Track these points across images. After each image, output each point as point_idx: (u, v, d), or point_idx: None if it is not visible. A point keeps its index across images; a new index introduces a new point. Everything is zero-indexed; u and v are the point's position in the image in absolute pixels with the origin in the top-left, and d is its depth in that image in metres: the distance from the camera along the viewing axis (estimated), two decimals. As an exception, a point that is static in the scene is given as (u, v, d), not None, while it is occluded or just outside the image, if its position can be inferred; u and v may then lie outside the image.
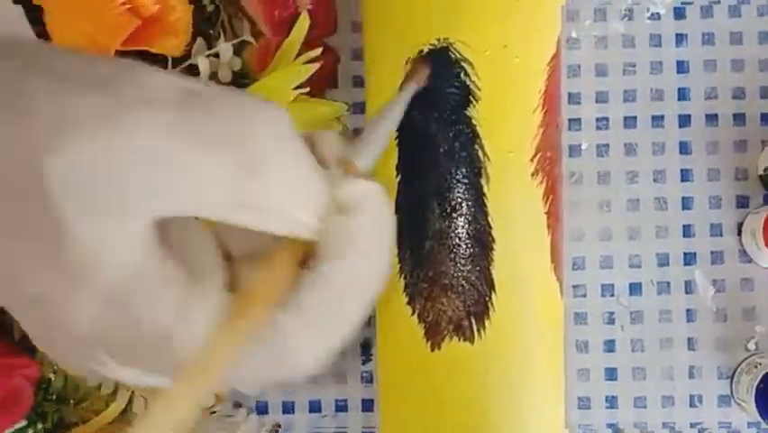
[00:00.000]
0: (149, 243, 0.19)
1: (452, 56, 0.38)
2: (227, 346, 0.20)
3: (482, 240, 0.38)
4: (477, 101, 0.38)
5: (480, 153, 0.38)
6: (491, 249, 0.38)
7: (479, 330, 0.38)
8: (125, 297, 0.19)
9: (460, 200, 0.38)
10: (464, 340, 0.38)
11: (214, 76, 0.43)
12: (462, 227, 0.38)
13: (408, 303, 0.39)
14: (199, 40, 0.43)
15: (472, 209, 0.38)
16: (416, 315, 0.39)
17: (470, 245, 0.38)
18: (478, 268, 0.38)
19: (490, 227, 0.38)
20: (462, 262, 0.38)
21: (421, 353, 0.39)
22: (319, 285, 0.21)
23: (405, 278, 0.39)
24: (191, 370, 0.20)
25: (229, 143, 0.19)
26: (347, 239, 0.21)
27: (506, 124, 0.38)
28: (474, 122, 0.38)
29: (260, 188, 0.19)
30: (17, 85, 0.18)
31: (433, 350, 0.39)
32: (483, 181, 0.38)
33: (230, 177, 0.19)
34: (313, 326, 0.21)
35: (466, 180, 0.38)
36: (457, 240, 0.38)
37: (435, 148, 0.38)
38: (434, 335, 0.39)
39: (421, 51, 0.38)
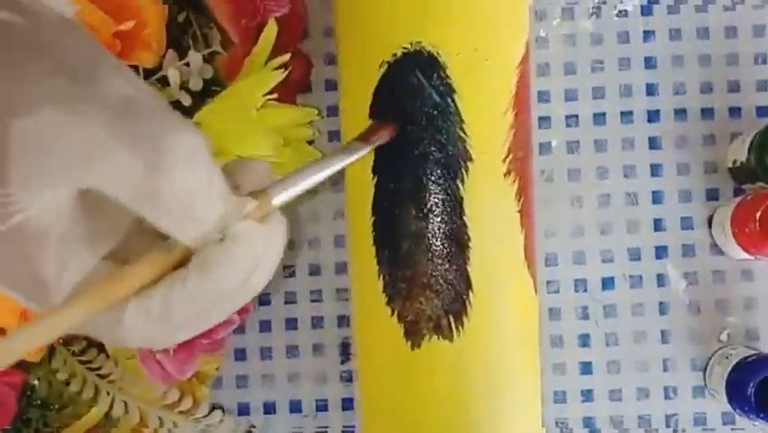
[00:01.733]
0: (68, 205, 0.22)
1: (428, 58, 0.38)
2: (80, 307, 0.23)
3: (459, 239, 0.39)
4: (454, 103, 0.38)
5: (455, 154, 0.38)
6: (468, 248, 0.39)
7: (457, 328, 0.39)
8: (27, 239, 0.22)
9: (435, 201, 0.38)
10: (443, 338, 0.39)
11: (185, 84, 0.44)
12: (439, 227, 0.38)
13: (388, 303, 0.39)
14: (170, 51, 0.44)
15: (448, 210, 0.38)
16: (395, 315, 0.39)
17: (446, 245, 0.38)
18: (455, 267, 0.39)
19: (466, 227, 0.38)
20: (440, 261, 0.39)
21: (401, 352, 0.39)
22: (175, 289, 0.24)
23: (383, 279, 0.40)
24: (44, 315, 0.23)
25: (146, 144, 0.22)
26: (217, 261, 0.24)
27: (479, 126, 0.39)
28: (449, 124, 0.38)
29: (164, 189, 0.22)
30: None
31: (413, 349, 0.39)
32: (459, 182, 0.38)
33: (141, 171, 0.22)
34: (151, 321, 0.24)
35: (441, 181, 0.38)
36: (434, 240, 0.39)
37: (411, 149, 0.39)
38: (413, 334, 0.39)
39: (395, 55, 0.38)
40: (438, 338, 0.39)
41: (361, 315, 0.43)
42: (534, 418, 0.42)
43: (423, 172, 0.38)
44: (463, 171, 0.38)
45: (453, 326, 0.39)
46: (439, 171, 0.38)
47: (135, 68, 0.44)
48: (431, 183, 0.38)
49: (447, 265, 0.38)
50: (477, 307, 0.39)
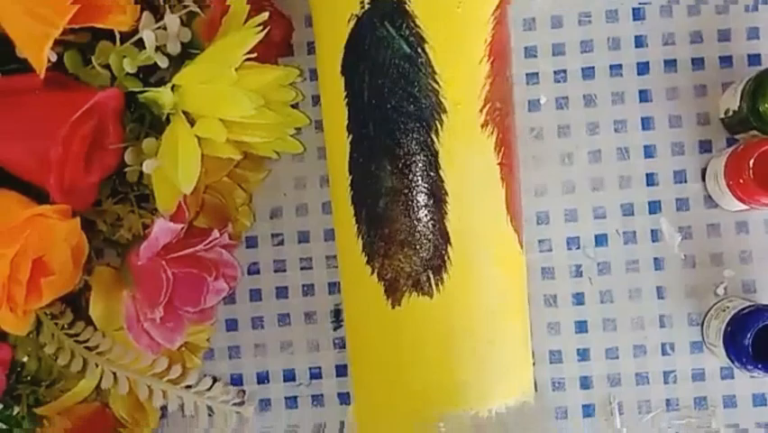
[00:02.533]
0: None
1: (396, 7, 0.37)
2: None
3: (435, 193, 0.38)
4: (425, 53, 0.37)
5: (429, 107, 0.38)
6: (444, 202, 0.38)
7: (437, 284, 0.38)
8: None
9: (410, 155, 0.38)
10: (423, 295, 0.38)
11: (163, 48, 0.43)
12: (414, 182, 0.38)
13: (368, 262, 0.39)
14: (146, 13, 0.43)
15: (423, 164, 0.38)
16: (375, 273, 0.39)
17: (422, 200, 0.38)
18: (432, 222, 0.38)
19: (442, 181, 0.38)
20: (416, 216, 0.38)
21: (383, 311, 0.39)
22: None
23: (362, 238, 0.39)
24: None
25: None
26: None
27: (452, 76, 0.38)
28: (421, 75, 0.37)
29: None
30: None
31: (393, 307, 0.39)
32: (433, 135, 0.38)
33: None
34: None
35: (415, 135, 0.38)
36: (410, 195, 0.38)
37: (383, 104, 0.38)
38: (393, 291, 0.39)
39: (362, 6, 0.38)
40: (418, 295, 0.38)
41: (346, 276, 0.42)
42: (524, 376, 0.41)
43: (396, 127, 0.38)
44: (437, 124, 0.37)
45: (433, 282, 0.38)
46: (412, 125, 0.37)
47: (111, 32, 0.43)
48: (405, 137, 0.38)
49: (424, 220, 0.38)
50: (456, 262, 0.38)
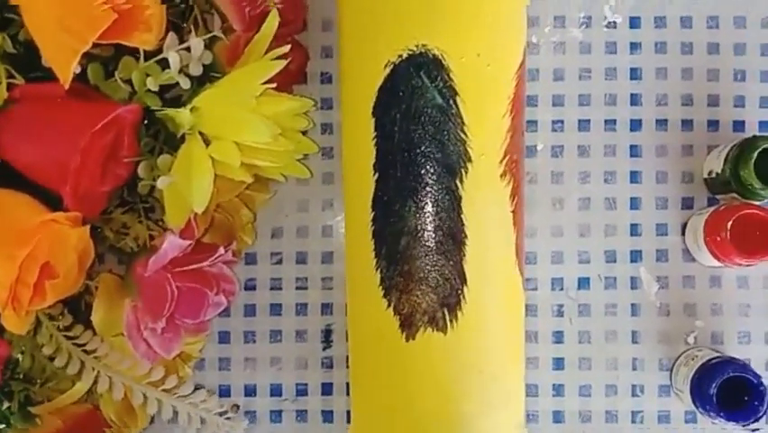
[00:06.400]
0: None
1: (433, 60, 0.39)
2: None
3: (456, 236, 0.40)
4: (456, 105, 0.39)
5: (456, 155, 0.40)
6: (464, 245, 0.40)
7: (451, 321, 0.40)
8: None
9: (435, 199, 0.40)
10: (438, 331, 0.40)
11: (184, 69, 0.45)
12: (437, 224, 0.40)
13: (384, 296, 0.41)
14: (171, 34, 0.44)
15: (447, 208, 0.40)
16: (391, 307, 0.41)
17: (444, 241, 0.40)
18: (451, 263, 0.40)
19: (463, 225, 0.40)
20: (437, 257, 0.40)
21: (396, 343, 0.41)
22: None
23: (381, 272, 0.41)
24: None
25: None
26: None
27: (479, 128, 0.40)
28: (451, 125, 0.39)
29: None
30: None
31: (407, 340, 0.41)
32: (458, 181, 0.40)
33: None
34: None
35: (442, 180, 0.40)
36: (432, 236, 0.40)
37: (413, 149, 0.40)
38: (408, 326, 0.41)
39: (400, 56, 0.39)
40: (432, 331, 0.40)
41: (356, 305, 0.44)
42: (519, 409, 0.43)
43: (424, 171, 0.40)
44: (462, 171, 0.39)
45: (448, 319, 0.40)
46: (439, 170, 0.39)
47: (136, 50, 0.44)
48: (431, 182, 0.40)
49: (444, 261, 0.40)
50: (470, 301, 0.40)
